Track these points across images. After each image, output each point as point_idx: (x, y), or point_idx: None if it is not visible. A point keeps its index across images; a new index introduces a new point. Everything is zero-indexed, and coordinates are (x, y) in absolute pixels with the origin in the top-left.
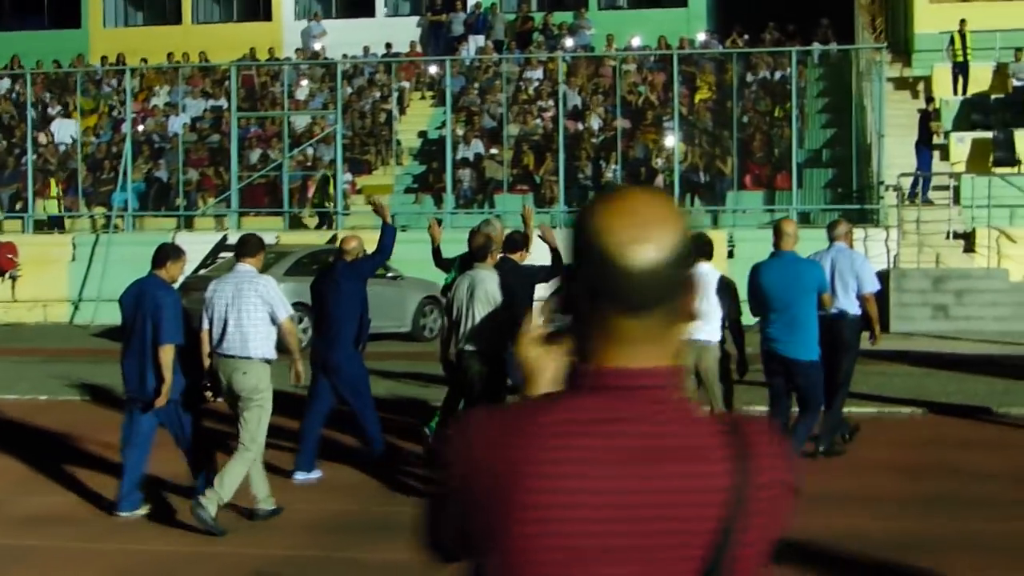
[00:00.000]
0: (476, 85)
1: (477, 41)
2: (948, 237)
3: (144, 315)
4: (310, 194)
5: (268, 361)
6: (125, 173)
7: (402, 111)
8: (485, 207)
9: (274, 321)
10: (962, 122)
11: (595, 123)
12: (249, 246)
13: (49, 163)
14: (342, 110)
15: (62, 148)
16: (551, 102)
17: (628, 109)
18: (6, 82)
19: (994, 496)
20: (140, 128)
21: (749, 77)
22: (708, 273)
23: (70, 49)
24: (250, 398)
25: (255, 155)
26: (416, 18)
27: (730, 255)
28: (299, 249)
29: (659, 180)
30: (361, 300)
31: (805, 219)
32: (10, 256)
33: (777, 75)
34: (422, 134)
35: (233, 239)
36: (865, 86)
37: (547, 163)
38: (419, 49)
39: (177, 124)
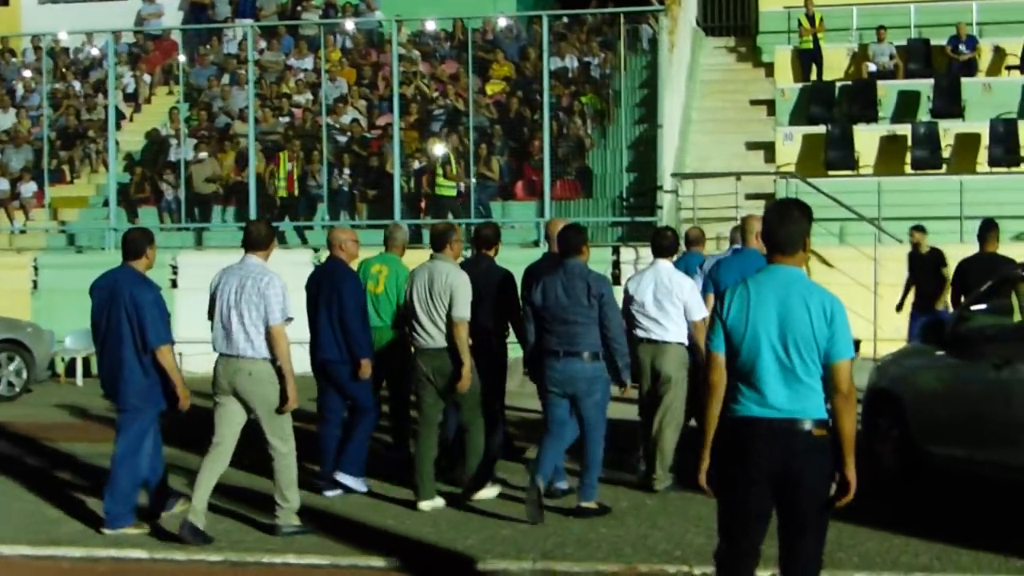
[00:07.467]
0: (225, 76)
1: (244, 26)
2: None
3: (120, 314)
4: None
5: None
6: None
7: (137, 108)
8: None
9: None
10: (799, 116)
11: (347, 119)
12: (257, 237)
13: None
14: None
15: None
16: (310, 95)
17: (401, 103)
18: None
19: None
20: None
21: (555, 65)
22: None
23: None
24: (259, 402)
25: None
26: (176, 1)
27: None
28: None
29: (398, 188)
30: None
31: None
32: None
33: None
34: (149, 134)
35: None
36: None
37: (282, 167)
38: (174, 36)
39: None
